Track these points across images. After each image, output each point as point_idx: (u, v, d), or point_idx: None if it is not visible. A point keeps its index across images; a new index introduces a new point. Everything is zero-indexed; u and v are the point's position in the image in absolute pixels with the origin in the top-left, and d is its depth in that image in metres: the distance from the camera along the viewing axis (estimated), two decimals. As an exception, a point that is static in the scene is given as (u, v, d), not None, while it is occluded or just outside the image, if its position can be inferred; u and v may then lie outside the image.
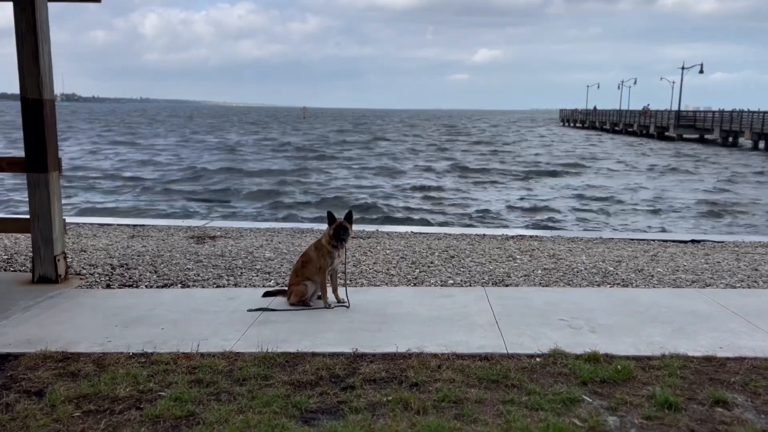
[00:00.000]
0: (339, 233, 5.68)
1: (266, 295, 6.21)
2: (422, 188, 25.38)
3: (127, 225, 11.06)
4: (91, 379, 4.31)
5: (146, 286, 6.78)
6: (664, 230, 17.00)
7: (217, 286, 6.76)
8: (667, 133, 62.34)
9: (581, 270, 7.32)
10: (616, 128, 77.04)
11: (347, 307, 5.83)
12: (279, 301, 6.04)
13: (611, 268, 7.43)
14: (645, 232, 16.05)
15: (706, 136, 56.83)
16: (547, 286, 6.63)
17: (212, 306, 5.96)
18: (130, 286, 6.81)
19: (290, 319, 5.54)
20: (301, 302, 5.88)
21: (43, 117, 6.58)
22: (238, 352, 4.75)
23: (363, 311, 5.72)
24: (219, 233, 10.11)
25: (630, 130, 72.58)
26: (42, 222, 6.74)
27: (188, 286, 6.77)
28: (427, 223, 17.62)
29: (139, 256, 8.04)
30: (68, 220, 11.94)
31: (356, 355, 4.67)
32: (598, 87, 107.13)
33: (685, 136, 59.47)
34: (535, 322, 5.32)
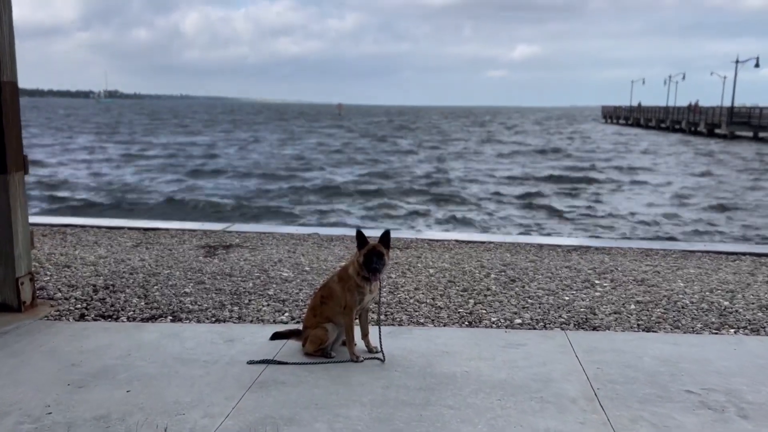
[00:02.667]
0: (371, 261, 4.15)
1: (275, 337, 4.72)
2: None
3: (138, 228, 9.75)
4: (-5, 490, 2.88)
5: (129, 318, 5.37)
6: (744, 237, 15.03)
7: (216, 320, 5.30)
8: (717, 131, 59.10)
9: (687, 304, 5.63)
10: (663, 125, 73.73)
11: (382, 360, 4.29)
12: (291, 348, 4.54)
13: (726, 303, 5.71)
14: (723, 242, 14.14)
15: (761, 134, 53.54)
16: (649, 329, 4.97)
17: (203, 353, 4.49)
18: (109, 317, 5.40)
19: (303, 379, 4.02)
20: (320, 351, 4.37)
21: (1, 103, 5.20)
22: (222, 442, 3.26)
23: (404, 368, 4.18)
24: (237, 240, 8.71)
25: (677, 127, 69.27)
26: (0, 235, 5.37)
27: (180, 319, 5.32)
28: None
29: (131, 274, 6.65)
30: (75, 221, 10.76)
31: (395, 454, 3.13)
32: (644, 83, 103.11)
33: (737, 133, 56.20)
34: (651, 396, 3.70)
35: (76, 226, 10.06)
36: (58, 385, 3.98)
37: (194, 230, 9.76)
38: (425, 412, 3.55)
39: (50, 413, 3.59)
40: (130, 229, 9.71)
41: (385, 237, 4.26)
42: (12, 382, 4.03)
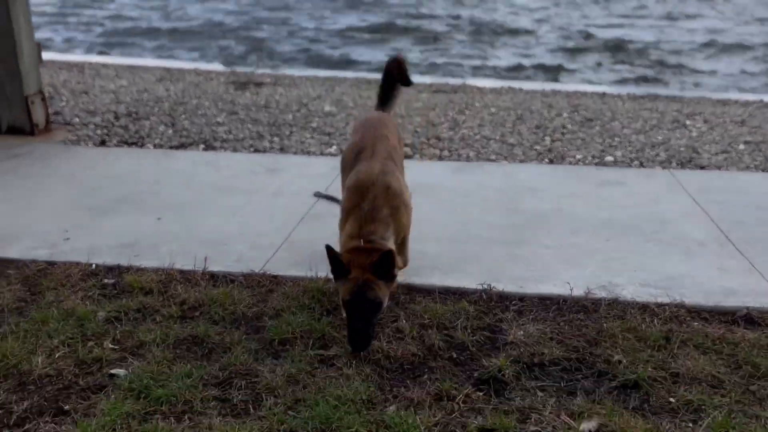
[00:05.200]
0: (355, 320, 2.14)
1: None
2: None
3: (161, 68, 8.94)
4: (4, 320, 2.34)
5: (155, 145, 4.71)
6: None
7: (255, 150, 4.62)
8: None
9: (809, 147, 4.78)
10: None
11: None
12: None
13: None
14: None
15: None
16: (768, 171, 4.18)
17: (244, 181, 3.85)
18: (133, 143, 4.75)
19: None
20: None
21: None
22: (275, 275, 2.67)
23: (480, 204, 3.49)
24: (268, 80, 7.86)
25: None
26: (2, 47, 4.60)
27: (214, 148, 4.65)
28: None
29: (156, 102, 5.92)
30: (86, 59, 9.95)
31: (490, 296, 2.51)
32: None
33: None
34: (800, 242, 2.99)
35: (94, 63, 9.25)
36: (77, 210, 3.40)
37: (221, 71, 8.97)
38: (518, 250, 2.91)
39: (68, 239, 3.02)
40: (150, 68, 8.91)
41: (384, 261, 2.16)
42: (24, 208, 3.45)
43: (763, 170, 4.14)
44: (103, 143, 4.72)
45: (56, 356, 2.10)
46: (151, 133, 4.97)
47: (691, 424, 1.81)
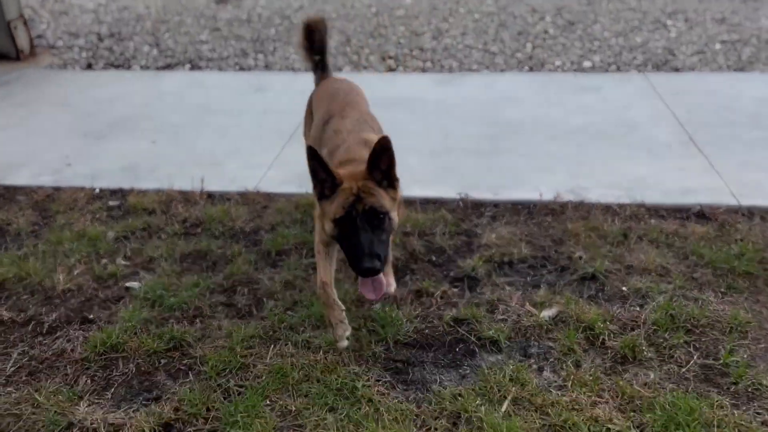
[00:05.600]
0: (357, 242, 1.68)
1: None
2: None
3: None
4: (22, 243, 2.56)
5: (142, 67, 4.77)
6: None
7: (241, 68, 4.69)
8: None
9: (781, 44, 4.87)
10: None
11: None
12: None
13: (826, 41, 4.93)
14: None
15: None
16: (741, 69, 4.30)
17: (232, 101, 3.97)
18: (120, 65, 4.80)
19: (350, 127, 3.53)
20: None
21: None
22: (268, 193, 2.87)
23: (461, 116, 3.64)
24: (249, -10, 7.70)
25: None
26: (-23, -31, 4.55)
27: (199, 68, 4.72)
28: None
29: (137, 21, 5.88)
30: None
31: (467, 204, 2.73)
32: None
33: None
34: (760, 140, 3.18)
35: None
36: (75, 136, 3.54)
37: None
38: (496, 160, 3.10)
39: (70, 164, 3.19)
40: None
41: (383, 153, 1.73)
42: (23, 134, 3.59)
43: (735, 70, 4.27)
44: (89, 66, 4.77)
45: (75, 273, 2.33)
46: (137, 54, 5.00)
47: (638, 308, 2.07)
